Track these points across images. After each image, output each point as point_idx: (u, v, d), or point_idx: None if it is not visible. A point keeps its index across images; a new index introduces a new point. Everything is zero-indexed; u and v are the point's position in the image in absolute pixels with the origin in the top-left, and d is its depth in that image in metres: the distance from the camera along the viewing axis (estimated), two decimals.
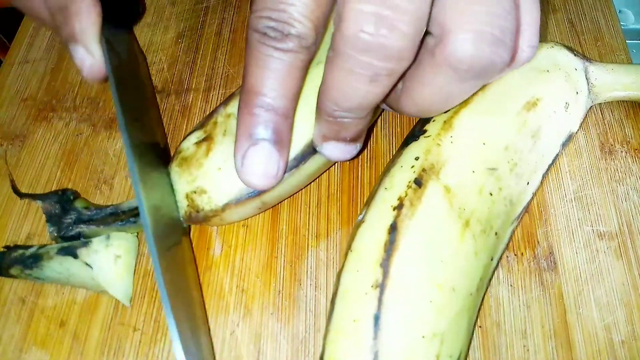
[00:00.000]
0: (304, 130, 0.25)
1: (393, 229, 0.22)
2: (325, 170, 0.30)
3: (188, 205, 0.26)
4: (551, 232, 0.28)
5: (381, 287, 0.21)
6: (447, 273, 0.22)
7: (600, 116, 0.31)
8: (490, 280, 0.25)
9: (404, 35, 0.19)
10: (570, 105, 0.27)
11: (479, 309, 0.25)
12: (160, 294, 0.22)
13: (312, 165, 0.26)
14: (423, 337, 0.21)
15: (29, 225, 0.30)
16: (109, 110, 0.34)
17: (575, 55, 0.29)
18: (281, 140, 0.23)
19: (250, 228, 0.29)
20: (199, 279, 0.28)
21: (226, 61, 0.36)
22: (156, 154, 0.28)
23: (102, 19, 0.27)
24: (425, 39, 0.21)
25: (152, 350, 0.26)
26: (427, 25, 0.21)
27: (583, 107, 0.28)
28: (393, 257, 0.22)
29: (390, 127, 0.32)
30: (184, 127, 0.33)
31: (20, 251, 0.27)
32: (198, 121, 0.33)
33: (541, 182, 0.27)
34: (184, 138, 0.27)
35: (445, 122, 0.25)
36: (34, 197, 0.29)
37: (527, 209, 0.27)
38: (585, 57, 0.29)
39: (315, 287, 0.27)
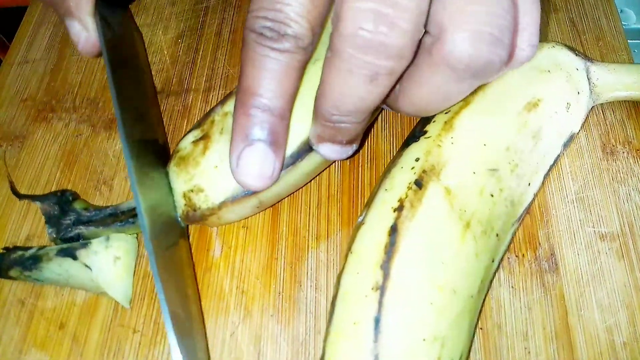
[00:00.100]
0: (300, 128, 0.24)
1: (393, 230, 0.22)
2: (324, 169, 0.30)
3: (185, 204, 0.26)
4: (552, 233, 0.28)
5: (381, 289, 0.21)
6: (447, 275, 0.22)
7: (602, 116, 0.31)
8: (491, 282, 0.25)
9: (404, 33, 0.19)
10: (572, 106, 0.27)
11: (480, 311, 0.25)
12: (158, 294, 0.22)
13: (308, 163, 0.26)
14: (424, 340, 0.21)
15: (29, 226, 0.30)
16: (108, 111, 0.34)
17: (576, 55, 0.28)
18: (277, 141, 0.22)
19: (250, 229, 0.29)
20: (196, 280, 0.28)
21: (226, 61, 0.36)
22: (154, 151, 0.28)
23: None
24: (423, 38, 0.21)
25: (152, 352, 0.26)
26: (425, 24, 0.21)
27: (584, 107, 0.28)
28: (393, 259, 0.22)
29: (390, 127, 0.32)
30: (184, 127, 0.33)
31: (20, 252, 0.27)
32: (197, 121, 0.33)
33: (542, 183, 0.27)
34: (182, 137, 0.27)
35: (445, 122, 0.25)
36: (33, 198, 0.28)
37: (528, 210, 0.27)
38: (586, 56, 0.29)
39: (316, 288, 0.27)
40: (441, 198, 0.23)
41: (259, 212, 0.29)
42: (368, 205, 0.24)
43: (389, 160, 0.31)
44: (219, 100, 0.34)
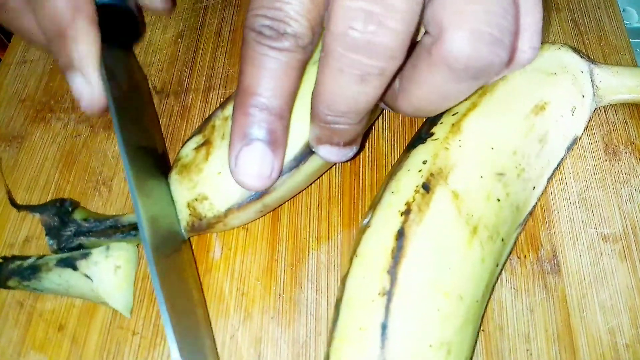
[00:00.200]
0: (303, 130, 0.24)
1: (400, 234, 0.22)
2: (326, 171, 0.30)
3: (190, 215, 0.26)
4: (555, 234, 0.28)
5: (389, 294, 0.21)
6: (454, 280, 0.22)
7: (605, 117, 0.31)
8: (494, 285, 0.25)
9: (394, 32, 0.19)
10: (577, 109, 0.27)
11: (483, 314, 0.25)
12: (160, 309, 0.21)
13: (312, 165, 0.26)
14: (430, 346, 0.21)
15: (27, 229, 0.30)
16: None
17: (581, 57, 0.28)
18: (276, 140, 0.22)
19: (250, 231, 0.29)
20: (200, 282, 0.27)
21: (226, 61, 0.36)
22: (157, 175, 0.27)
23: (101, 44, 0.25)
24: (423, 38, 0.21)
25: (152, 354, 0.26)
26: (425, 24, 0.20)
27: (588, 110, 0.28)
28: (401, 264, 0.21)
29: (391, 127, 0.32)
30: (184, 128, 0.33)
31: (18, 262, 0.26)
32: (197, 122, 0.33)
33: (546, 187, 0.27)
34: (183, 145, 0.27)
35: (453, 124, 0.25)
36: (31, 209, 0.28)
37: (531, 213, 0.27)
38: (590, 58, 0.29)
39: (317, 290, 0.27)
40: (449, 202, 0.23)
41: (262, 216, 0.29)
42: (373, 207, 0.24)
43: (390, 161, 0.30)
44: (219, 100, 0.34)
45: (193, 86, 0.35)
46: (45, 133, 0.33)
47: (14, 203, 0.29)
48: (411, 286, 0.21)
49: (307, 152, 0.25)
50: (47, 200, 0.30)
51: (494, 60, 0.20)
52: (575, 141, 0.28)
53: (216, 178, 0.25)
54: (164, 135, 0.33)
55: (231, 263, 0.28)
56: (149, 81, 0.35)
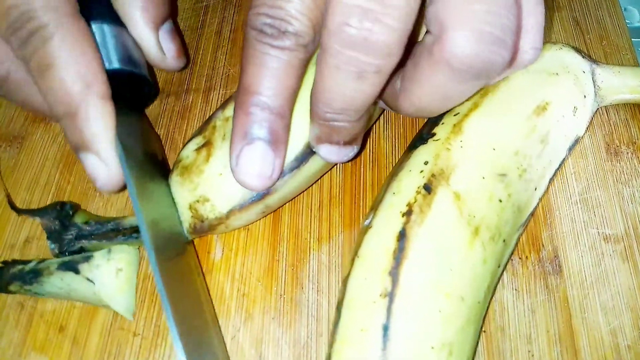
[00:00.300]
0: (304, 130, 0.24)
1: (402, 236, 0.22)
2: (327, 171, 0.30)
3: (192, 217, 0.26)
4: (556, 235, 0.28)
5: (390, 296, 0.21)
6: (456, 282, 0.22)
7: (606, 117, 0.31)
8: (495, 286, 0.25)
9: (391, 30, 0.19)
10: (578, 109, 0.27)
11: (484, 315, 0.25)
12: (165, 313, 0.21)
13: (313, 165, 0.25)
14: (432, 347, 0.21)
15: (27, 230, 0.29)
16: None
17: (583, 57, 0.28)
18: (277, 140, 0.22)
19: (251, 231, 0.29)
20: (205, 282, 0.27)
21: (227, 61, 0.36)
22: (158, 179, 0.27)
23: (115, 119, 0.23)
24: (424, 38, 0.21)
25: (153, 356, 0.26)
26: (426, 23, 0.20)
27: (590, 110, 0.28)
28: (402, 265, 0.21)
29: (392, 127, 0.32)
30: (184, 128, 0.33)
31: (19, 266, 0.26)
32: (198, 122, 0.33)
33: (547, 187, 0.27)
34: (184, 146, 0.27)
35: (454, 125, 0.25)
36: (32, 213, 0.28)
37: (532, 213, 0.27)
38: (591, 58, 0.29)
39: (318, 291, 0.27)
40: (450, 203, 0.23)
41: (264, 217, 0.29)
42: (375, 208, 0.24)
43: (391, 161, 0.30)
44: (220, 100, 0.34)
45: (193, 86, 0.34)
46: (46, 133, 0.33)
47: (14, 207, 0.29)
48: (413, 287, 0.21)
49: (308, 152, 0.25)
50: (48, 203, 0.30)
51: (496, 60, 0.20)
52: (576, 141, 0.28)
53: (217, 179, 0.25)
54: (163, 135, 0.33)
55: (232, 264, 0.28)
56: None
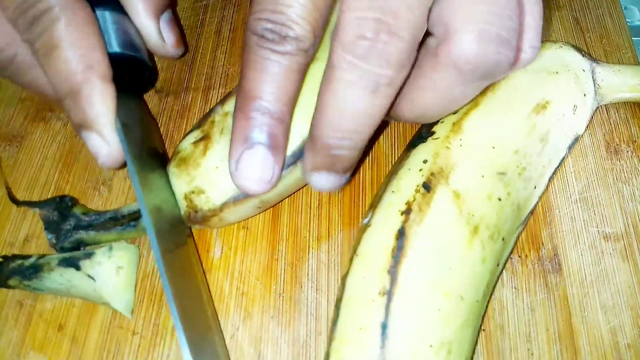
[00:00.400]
0: (301, 126, 0.24)
1: (401, 234, 0.22)
2: None
3: (187, 206, 0.26)
4: (556, 233, 0.28)
5: (389, 294, 0.21)
6: (455, 280, 0.22)
7: (606, 115, 0.31)
8: (495, 285, 0.25)
9: (404, 42, 0.19)
10: (578, 108, 0.27)
11: (483, 314, 0.25)
12: (166, 297, 0.21)
13: None
14: (431, 346, 0.21)
15: (27, 227, 0.29)
16: None
17: (582, 55, 0.28)
18: (277, 144, 0.22)
19: (250, 230, 0.29)
20: (206, 279, 0.27)
21: (226, 60, 0.36)
22: (160, 170, 0.27)
23: (116, 100, 0.24)
24: (426, 41, 0.21)
25: (152, 354, 0.26)
26: (429, 25, 0.20)
27: (590, 109, 0.28)
28: (401, 264, 0.21)
29: (392, 127, 0.32)
30: (184, 127, 0.33)
31: (19, 261, 0.26)
32: (197, 121, 0.33)
33: (547, 186, 0.27)
34: (182, 138, 0.27)
35: (454, 123, 0.25)
36: (31, 204, 0.28)
37: (532, 212, 0.27)
38: (591, 57, 0.29)
39: (317, 289, 0.27)
40: (450, 202, 0.23)
41: (260, 213, 0.29)
42: (374, 206, 0.24)
43: (390, 160, 0.30)
44: (219, 99, 0.34)
45: (193, 85, 0.34)
46: (45, 132, 0.33)
47: (13, 199, 0.29)
48: (411, 286, 0.21)
49: None
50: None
51: (502, 60, 0.20)
52: (576, 140, 0.27)
53: (213, 172, 0.25)
54: (163, 134, 0.33)
55: (231, 262, 0.28)
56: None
